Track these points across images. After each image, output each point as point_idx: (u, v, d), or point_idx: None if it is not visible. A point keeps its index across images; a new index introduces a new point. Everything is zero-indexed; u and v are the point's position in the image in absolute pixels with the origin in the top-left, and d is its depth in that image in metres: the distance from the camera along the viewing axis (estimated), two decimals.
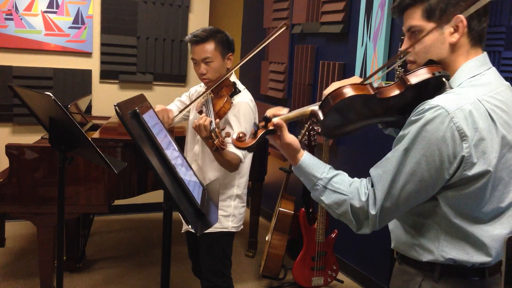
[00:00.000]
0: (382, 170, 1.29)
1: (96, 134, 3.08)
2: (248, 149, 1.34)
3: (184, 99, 2.62)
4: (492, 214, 1.32)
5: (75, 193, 2.82)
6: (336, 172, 1.36)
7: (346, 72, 3.58)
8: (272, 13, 4.55)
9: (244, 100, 2.33)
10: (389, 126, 1.50)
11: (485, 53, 1.37)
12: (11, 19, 4.16)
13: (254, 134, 1.34)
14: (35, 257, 3.31)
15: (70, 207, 2.78)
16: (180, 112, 2.36)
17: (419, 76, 1.30)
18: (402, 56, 1.43)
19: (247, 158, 2.39)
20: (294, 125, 4.28)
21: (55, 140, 2.02)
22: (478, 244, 1.31)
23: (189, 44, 2.38)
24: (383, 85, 1.34)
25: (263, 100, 4.70)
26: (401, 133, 1.29)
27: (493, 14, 2.51)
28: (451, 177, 1.25)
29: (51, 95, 1.89)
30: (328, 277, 3.28)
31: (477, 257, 1.31)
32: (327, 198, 1.33)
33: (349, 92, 1.28)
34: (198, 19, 4.85)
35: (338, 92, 1.29)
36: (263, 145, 3.77)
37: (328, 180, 1.33)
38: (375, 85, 1.35)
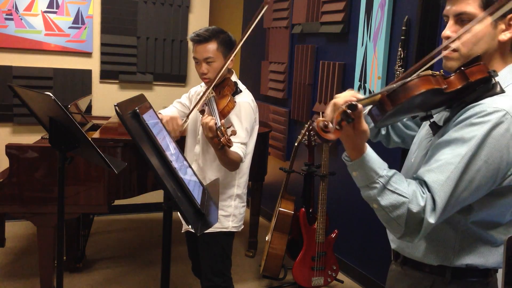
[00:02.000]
0: (445, 176, 1.18)
1: (96, 134, 3.08)
2: (328, 142, 1.18)
3: (184, 101, 2.62)
4: (510, 218, 1.31)
5: (75, 193, 2.82)
6: (393, 170, 1.24)
7: (346, 72, 3.58)
8: (272, 13, 4.55)
9: (245, 100, 2.34)
10: (414, 118, 1.42)
11: None
12: (11, 19, 4.16)
13: (340, 125, 1.14)
14: (35, 257, 3.31)
15: (70, 207, 2.78)
16: (188, 115, 2.36)
17: (477, 73, 1.22)
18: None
19: (247, 158, 2.39)
20: (294, 125, 4.28)
21: (55, 140, 2.02)
22: (495, 245, 1.30)
23: (190, 43, 2.38)
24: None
25: (263, 100, 4.70)
26: (457, 134, 1.21)
27: None
28: (500, 184, 1.21)
29: (51, 95, 1.89)
30: (328, 277, 3.28)
31: (493, 260, 1.30)
32: (384, 199, 1.20)
33: (424, 86, 1.18)
34: (198, 19, 4.85)
35: (413, 85, 1.18)
36: (263, 145, 3.77)
37: (389, 179, 1.21)
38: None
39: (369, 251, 3.43)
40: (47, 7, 4.26)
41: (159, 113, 2.43)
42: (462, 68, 1.23)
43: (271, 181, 4.57)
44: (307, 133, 3.23)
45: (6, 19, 4.14)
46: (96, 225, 4.28)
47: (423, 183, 1.22)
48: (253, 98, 2.42)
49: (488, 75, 1.22)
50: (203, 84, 2.50)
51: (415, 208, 1.18)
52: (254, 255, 3.98)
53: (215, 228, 2.35)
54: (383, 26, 3.16)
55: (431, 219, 1.18)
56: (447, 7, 1.30)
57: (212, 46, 2.31)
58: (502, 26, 1.26)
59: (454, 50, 1.29)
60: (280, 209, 3.31)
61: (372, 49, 3.26)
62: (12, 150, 2.73)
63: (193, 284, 3.21)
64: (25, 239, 3.96)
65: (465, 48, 1.27)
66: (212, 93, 2.27)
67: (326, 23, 3.77)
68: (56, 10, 4.29)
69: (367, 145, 1.23)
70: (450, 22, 1.30)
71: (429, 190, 1.20)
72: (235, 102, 2.23)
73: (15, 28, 4.18)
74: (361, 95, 1.24)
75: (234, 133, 2.03)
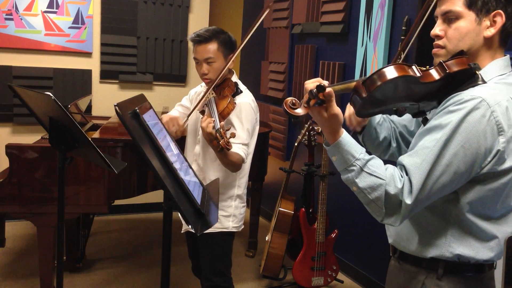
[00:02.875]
0: (421, 159, 1.23)
1: (96, 134, 3.08)
2: (297, 118, 1.27)
3: (185, 103, 2.61)
4: (502, 212, 1.33)
5: (75, 193, 2.82)
6: (372, 155, 1.30)
7: (346, 72, 3.58)
8: (272, 13, 4.55)
9: (246, 100, 2.33)
10: (404, 113, 1.48)
11: (508, 56, 1.37)
12: (11, 19, 4.16)
13: (307, 103, 1.26)
14: (35, 257, 3.31)
15: (70, 207, 2.77)
16: (189, 115, 2.36)
17: (456, 65, 1.28)
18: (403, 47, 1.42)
19: (248, 159, 2.39)
20: (294, 125, 4.28)
21: (55, 140, 2.02)
22: (484, 240, 1.31)
23: (190, 43, 2.38)
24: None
25: (263, 100, 4.70)
26: (436, 121, 1.26)
27: None
28: (481, 170, 1.25)
29: (51, 95, 1.89)
30: (328, 277, 3.28)
31: (483, 253, 1.32)
32: (362, 181, 1.26)
33: (397, 72, 1.25)
34: (198, 19, 4.85)
35: (386, 71, 1.25)
36: (263, 145, 3.77)
37: (366, 162, 1.27)
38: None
39: (369, 251, 3.43)
40: (47, 7, 4.26)
41: (161, 118, 2.43)
42: (442, 61, 1.29)
43: (271, 181, 4.57)
44: (307, 133, 3.23)
45: (6, 19, 4.14)
46: (96, 225, 4.27)
47: (402, 167, 1.27)
48: (254, 98, 2.41)
49: (468, 67, 1.27)
50: (203, 84, 2.49)
51: (392, 190, 1.23)
52: (254, 255, 3.98)
53: (215, 228, 2.35)
54: (383, 26, 3.16)
55: (408, 200, 1.22)
56: (437, 8, 1.37)
57: (212, 47, 2.30)
58: (487, 23, 1.31)
59: (442, 47, 1.35)
60: (280, 209, 3.31)
61: (372, 49, 3.26)
62: (12, 150, 2.72)
63: (193, 284, 3.21)
64: (25, 239, 3.96)
65: (451, 45, 1.33)
66: (212, 93, 2.27)
67: (326, 23, 3.77)
68: (56, 10, 4.29)
69: (343, 130, 1.30)
70: (439, 21, 1.36)
71: (406, 173, 1.25)
72: (235, 103, 2.23)
73: (15, 28, 4.18)
74: (326, 83, 1.30)
75: (233, 135, 2.02)
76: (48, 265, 2.84)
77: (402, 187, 1.23)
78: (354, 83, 1.29)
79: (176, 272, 3.46)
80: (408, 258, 1.42)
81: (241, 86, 2.37)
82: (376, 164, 1.27)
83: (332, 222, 3.40)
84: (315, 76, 3.93)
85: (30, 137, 3.82)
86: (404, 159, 1.27)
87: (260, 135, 2.69)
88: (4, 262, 3.55)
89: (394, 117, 1.64)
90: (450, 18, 1.33)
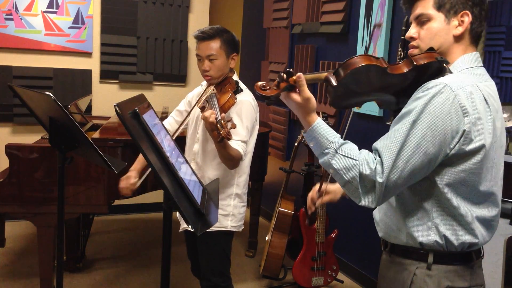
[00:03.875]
0: (390, 140, 1.32)
1: (96, 134, 3.08)
2: (268, 98, 1.37)
3: (182, 108, 2.61)
4: (484, 197, 1.40)
5: (75, 193, 2.82)
6: (347, 141, 1.39)
7: None
8: (272, 13, 4.55)
9: (246, 99, 2.34)
10: (385, 107, 1.57)
11: (478, 52, 1.48)
12: (11, 19, 4.16)
13: (277, 86, 1.36)
14: (35, 257, 3.31)
15: (70, 207, 2.78)
16: (183, 121, 2.40)
17: (423, 58, 1.38)
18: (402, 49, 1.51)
19: (247, 157, 2.39)
20: (294, 125, 4.28)
21: (55, 140, 2.02)
22: (464, 224, 1.38)
23: (190, 43, 2.38)
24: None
25: (263, 100, 4.69)
26: (405, 109, 1.35)
27: (493, 14, 2.52)
28: (450, 151, 1.32)
29: (51, 95, 1.89)
30: (328, 277, 3.28)
31: (464, 237, 1.38)
32: (336, 162, 1.34)
33: (363, 61, 1.34)
34: (198, 19, 4.85)
35: (352, 60, 1.34)
36: (263, 145, 3.77)
37: (340, 145, 1.35)
38: None
39: (369, 251, 3.43)
40: (47, 7, 4.26)
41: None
42: (409, 55, 1.42)
43: (271, 181, 4.57)
44: None
45: (6, 19, 4.15)
46: (96, 225, 4.28)
47: (376, 151, 1.36)
48: (254, 98, 2.42)
49: (435, 60, 1.37)
50: (203, 83, 2.50)
51: (366, 170, 1.30)
52: (254, 255, 3.98)
53: (214, 227, 2.34)
54: (383, 26, 3.16)
55: (380, 178, 1.29)
56: (411, 14, 1.49)
57: (215, 44, 2.31)
58: (455, 22, 1.42)
59: (416, 47, 1.46)
60: (280, 209, 3.31)
61: (372, 49, 3.26)
62: (12, 150, 2.72)
63: (192, 284, 3.21)
64: (25, 239, 3.96)
65: (423, 43, 1.44)
66: (213, 90, 2.28)
67: (326, 23, 3.77)
68: (56, 10, 4.29)
69: (317, 116, 1.41)
70: (413, 25, 1.48)
71: (379, 155, 1.33)
72: (236, 98, 2.24)
73: (15, 28, 4.18)
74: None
75: (234, 126, 2.04)
76: (48, 265, 2.84)
77: (375, 168, 1.31)
78: (324, 74, 1.38)
79: (176, 272, 3.46)
80: (398, 251, 1.48)
81: (242, 85, 2.38)
82: (349, 147, 1.36)
83: (332, 222, 3.40)
84: None
85: (30, 137, 3.82)
86: (377, 143, 1.36)
87: (260, 135, 2.70)
88: (4, 262, 3.55)
89: None
90: (422, 20, 1.44)
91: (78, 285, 3.31)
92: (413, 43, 1.47)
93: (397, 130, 1.33)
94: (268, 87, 1.37)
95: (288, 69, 1.36)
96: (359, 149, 1.37)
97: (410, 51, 1.47)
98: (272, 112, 4.58)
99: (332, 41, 3.77)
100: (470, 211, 1.37)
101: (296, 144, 3.33)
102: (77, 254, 3.46)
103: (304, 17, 4.02)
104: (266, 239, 3.39)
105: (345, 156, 1.34)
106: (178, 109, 2.62)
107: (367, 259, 3.47)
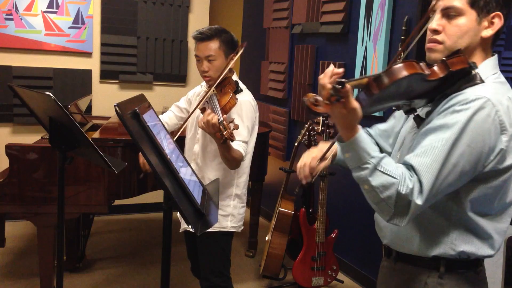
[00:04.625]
0: (431, 159, 1.23)
1: (96, 134, 3.08)
2: (318, 115, 1.26)
3: (182, 104, 2.61)
4: (501, 209, 1.34)
5: (75, 193, 2.82)
6: (384, 153, 1.29)
7: (346, 72, 3.58)
8: (272, 13, 4.55)
9: (246, 98, 2.35)
10: (396, 110, 1.48)
11: (496, 55, 1.39)
12: (11, 19, 4.16)
13: (329, 99, 1.20)
14: (35, 257, 3.31)
15: (70, 207, 2.77)
16: (183, 125, 2.38)
17: (458, 63, 1.28)
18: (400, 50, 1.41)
19: (247, 157, 2.39)
20: (294, 125, 4.28)
21: (55, 140, 2.02)
22: (485, 237, 1.33)
23: (190, 43, 2.38)
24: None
25: (263, 100, 4.70)
26: (441, 121, 1.25)
27: None
28: (483, 169, 1.26)
29: (51, 95, 1.89)
30: (328, 277, 3.28)
31: (483, 250, 1.34)
32: (375, 179, 1.23)
33: (408, 70, 1.23)
34: (198, 19, 4.85)
35: (397, 68, 1.23)
36: (263, 145, 3.77)
37: (380, 160, 1.25)
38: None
39: (369, 251, 3.43)
40: (47, 7, 4.26)
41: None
42: (444, 58, 1.29)
43: (271, 181, 4.57)
44: (307, 133, 3.23)
45: (6, 19, 4.14)
46: (96, 225, 4.28)
47: (410, 167, 1.26)
48: (253, 98, 2.42)
49: (468, 66, 1.27)
50: (203, 84, 2.50)
51: (404, 190, 1.21)
52: (254, 255, 3.97)
53: (213, 228, 2.34)
54: (383, 26, 3.16)
55: (419, 200, 1.21)
56: (434, 2, 1.35)
57: (214, 45, 2.31)
58: (485, 23, 1.32)
59: (439, 43, 1.34)
60: (280, 209, 3.31)
61: (372, 49, 3.26)
62: (12, 150, 2.72)
63: (192, 284, 3.21)
64: (25, 239, 3.96)
65: (450, 41, 1.32)
66: (213, 91, 2.28)
67: (326, 23, 3.77)
68: (56, 10, 4.29)
69: (360, 127, 1.27)
70: (437, 16, 1.34)
71: (416, 173, 1.24)
72: (237, 99, 2.23)
73: (15, 28, 4.18)
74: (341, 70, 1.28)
75: (236, 127, 2.03)
76: (48, 265, 2.84)
77: (413, 188, 1.22)
78: (366, 80, 1.27)
79: (176, 272, 3.46)
80: (407, 258, 1.42)
81: (241, 85, 2.39)
82: (388, 162, 1.26)
83: (332, 222, 3.40)
84: (315, 76, 3.93)
85: (30, 137, 3.82)
86: (411, 159, 1.26)
87: (260, 135, 2.70)
88: (4, 262, 3.55)
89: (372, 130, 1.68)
90: (451, 14, 1.32)
91: (78, 285, 3.31)
92: (437, 37, 1.34)
93: (437, 147, 1.23)
94: (319, 102, 1.24)
95: (340, 80, 1.18)
96: None
97: (432, 45, 1.35)
98: (272, 112, 4.58)
99: (332, 41, 3.77)
100: (491, 225, 1.32)
101: (296, 144, 3.32)
102: (77, 254, 3.46)
103: (304, 17, 4.01)
104: (266, 239, 3.39)
105: (384, 172, 1.23)
106: (178, 104, 2.63)
107: (367, 259, 3.47)
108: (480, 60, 1.35)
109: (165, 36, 4.69)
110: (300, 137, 3.29)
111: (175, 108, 2.63)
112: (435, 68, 1.28)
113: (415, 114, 1.38)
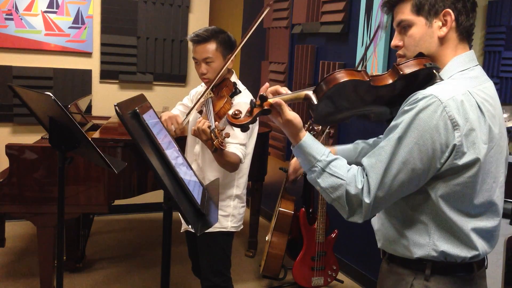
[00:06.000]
0: (376, 159, 1.28)
1: (96, 134, 3.08)
2: (242, 127, 1.32)
3: (186, 102, 2.62)
4: (481, 208, 1.34)
5: (75, 193, 2.82)
6: (335, 156, 1.34)
7: None
8: (272, 13, 4.55)
9: (244, 100, 2.33)
10: (377, 118, 1.50)
11: (472, 50, 1.40)
12: (11, 19, 4.16)
13: (250, 113, 1.33)
14: (35, 257, 3.31)
15: (70, 207, 2.77)
16: (188, 114, 2.36)
17: (410, 66, 1.31)
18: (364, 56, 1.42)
19: (246, 159, 2.39)
20: None
21: (55, 140, 2.02)
22: (463, 237, 1.32)
23: (190, 43, 2.38)
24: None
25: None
26: (393, 122, 1.29)
27: (493, 14, 2.52)
28: (442, 166, 1.26)
29: (51, 95, 1.89)
30: (328, 277, 3.28)
31: (466, 252, 1.33)
32: (323, 181, 1.32)
33: (343, 76, 1.28)
34: (198, 19, 4.85)
35: (332, 77, 1.28)
36: (263, 145, 3.77)
37: (327, 163, 1.32)
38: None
39: (369, 251, 3.43)
40: (47, 7, 4.26)
41: (161, 116, 2.44)
42: (395, 63, 1.33)
43: (271, 181, 4.57)
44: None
45: (6, 19, 4.14)
46: (96, 225, 4.28)
47: (363, 168, 1.32)
48: (253, 99, 2.41)
49: (423, 67, 1.30)
50: (203, 84, 2.50)
51: (353, 190, 1.28)
52: (254, 255, 3.98)
53: (214, 228, 2.35)
54: (383, 26, 3.16)
55: (367, 199, 1.27)
56: (393, 21, 1.42)
57: (211, 46, 2.30)
58: (439, 23, 1.34)
59: (402, 56, 1.40)
60: (280, 209, 3.31)
61: (372, 49, 3.26)
62: (12, 150, 2.72)
63: (193, 284, 3.21)
64: (25, 239, 3.96)
65: (409, 52, 1.37)
66: (210, 94, 2.27)
67: (326, 23, 3.77)
68: (56, 10, 4.29)
69: (306, 133, 1.36)
70: (396, 32, 1.41)
71: (366, 174, 1.29)
72: (232, 103, 2.23)
73: (15, 28, 4.18)
74: (284, 90, 1.38)
75: (227, 135, 2.02)
76: (48, 265, 2.84)
77: (362, 187, 1.28)
78: (303, 93, 1.34)
79: (176, 272, 3.46)
80: (396, 260, 1.44)
81: (240, 86, 2.37)
82: (338, 165, 1.32)
83: (332, 222, 3.40)
84: (315, 76, 3.93)
85: (30, 137, 3.82)
86: (364, 160, 1.32)
87: (260, 135, 2.69)
88: (4, 262, 3.55)
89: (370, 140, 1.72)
90: (404, 26, 1.37)
91: (78, 285, 3.31)
92: (399, 51, 1.40)
93: (383, 147, 1.28)
94: (240, 116, 1.33)
95: (261, 94, 1.31)
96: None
97: (398, 60, 1.40)
98: None
99: (332, 41, 3.77)
100: (468, 224, 1.31)
101: None
102: (77, 254, 3.46)
103: (304, 17, 4.01)
104: (266, 239, 3.39)
105: (332, 174, 1.30)
106: (183, 103, 2.63)
107: (367, 259, 3.47)
108: (449, 59, 1.36)
109: (165, 36, 4.70)
110: None
111: (180, 106, 2.63)
112: (385, 74, 1.33)
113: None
